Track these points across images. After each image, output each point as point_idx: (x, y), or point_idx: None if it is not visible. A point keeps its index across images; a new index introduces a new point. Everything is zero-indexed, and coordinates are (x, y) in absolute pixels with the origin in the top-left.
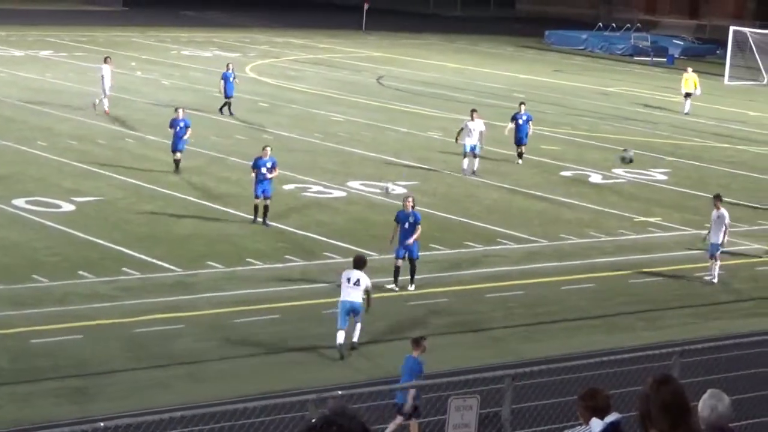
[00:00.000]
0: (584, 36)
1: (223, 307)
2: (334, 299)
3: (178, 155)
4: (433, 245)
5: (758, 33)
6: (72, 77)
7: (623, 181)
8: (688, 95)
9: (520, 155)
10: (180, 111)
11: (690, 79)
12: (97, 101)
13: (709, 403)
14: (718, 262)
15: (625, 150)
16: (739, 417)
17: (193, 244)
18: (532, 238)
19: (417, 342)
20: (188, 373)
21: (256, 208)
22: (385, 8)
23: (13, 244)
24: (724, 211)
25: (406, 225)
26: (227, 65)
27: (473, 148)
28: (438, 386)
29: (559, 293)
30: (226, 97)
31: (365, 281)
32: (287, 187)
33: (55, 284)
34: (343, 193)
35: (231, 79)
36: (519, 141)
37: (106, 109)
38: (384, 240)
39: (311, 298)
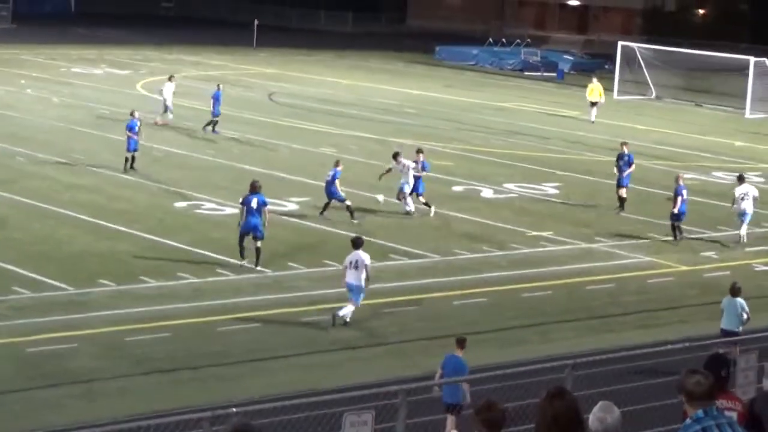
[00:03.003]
0: (475, 51)
1: (116, 325)
2: (228, 316)
3: (133, 154)
4: (326, 261)
5: (646, 48)
6: None
7: (515, 195)
8: (593, 104)
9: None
10: (136, 113)
11: (595, 89)
12: (159, 117)
13: (598, 416)
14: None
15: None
16: (630, 429)
17: (86, 262)
18: (425, 253)
19: (461, 342)
20: (82, 392)
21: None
22: (277, 25)
23: None
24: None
25: (253, 206)
26: (217, 85)
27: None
28: (332, 402)
29: (452, 308)
30: (214, 115)
31: (363, 259)
32: (179, 204)
33: None
34: (236, 210)
35: (220, 98)
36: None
37: (160, 120)
38: (283, 257)
39: (204, 315)
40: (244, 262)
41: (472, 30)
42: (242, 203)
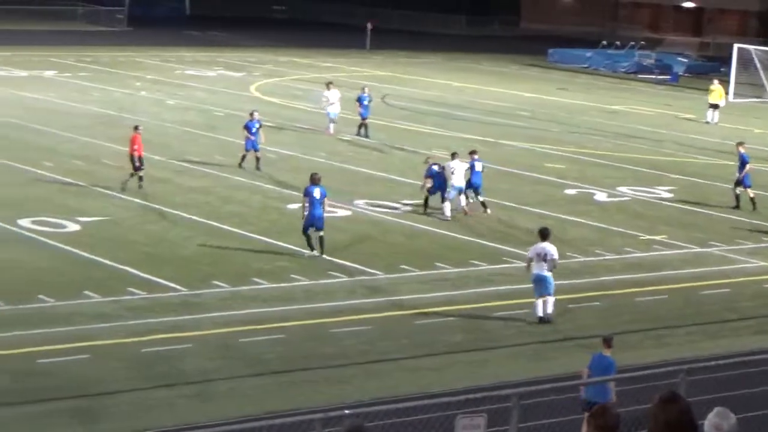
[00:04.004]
0: (588, 54)
1: (229, 326)
2: (340, 318)
3: (256, 154)
4: (438, 264)
5: (762, 50)
6: (76, 97)
7: (628, 199)
8: (714, 106)
9: (483, 205)
10: (256, 113)
11: (716, 91)
12: (331, 126)
13: (714, 422)
14: None
15: None
16: None
17: (199, 263)
18: None
19: (608, 341)
20: (194, 393)
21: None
22: (389, 27)
23: (19, 264)
24: None
25: (317, 196)
26: (363, 88)
27: (460, 190)
28: (445, 405)
29: (565, 311)
30: (362, 118)
31: (552, 251)
32: (291, 206)
33: (60, 304)
34: (348, 212)
35: (366, 102)
36: (475, 190)
37: (331, 131)
38: (395, 260)
39: (316, 317)
40: (314, 253)
41: (586, 32)
42: (305, 195)
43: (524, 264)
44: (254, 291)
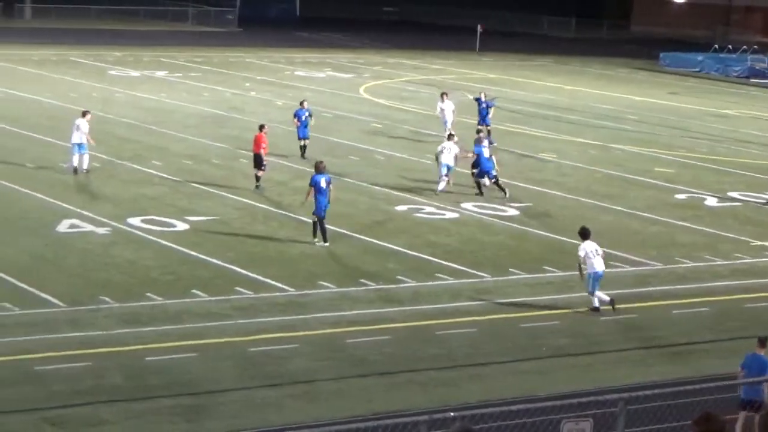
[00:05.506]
0: (700, 58)
1: (335, 327)
2: (446, 320)
3: (304, 142)
4: (546, 267)
5: None
6: (186, 97)
7: (739, 204)
8: None
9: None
10: (305, 103)
11: None
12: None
13: None
14: None
15: None
16: None
17: (306, 263)
18: (646, 261)
19: (763, 341)
20: (301, 392)
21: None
22: (499, 30)
23: (128, 263)
24: None
25: (323, 185)
26: (481, 93)
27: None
28: (550, 409)
29: (672, 317)
30: (484, 124)
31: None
32: (400, 207)
33: (169, 302)
34: (456, 215)
35: (485, 107)
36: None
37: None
38: (503, 263)
39: (423, 319)
40: (317, 241)
41: (697, 36)
42: (311, 184)
43: (581, 264)
44: (361, 292)
